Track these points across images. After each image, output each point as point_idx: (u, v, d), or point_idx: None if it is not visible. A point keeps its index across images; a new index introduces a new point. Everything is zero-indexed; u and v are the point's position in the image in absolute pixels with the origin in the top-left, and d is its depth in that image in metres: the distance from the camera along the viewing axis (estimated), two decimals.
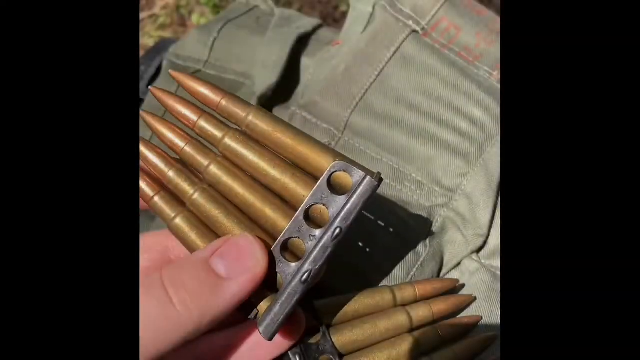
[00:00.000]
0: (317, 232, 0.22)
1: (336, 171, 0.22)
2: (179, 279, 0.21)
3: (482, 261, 0.32)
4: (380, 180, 0.22)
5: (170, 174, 0.24)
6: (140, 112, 0.24)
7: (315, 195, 0.22)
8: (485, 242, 0.33)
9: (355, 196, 0.22)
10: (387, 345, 0.27)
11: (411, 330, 0.28)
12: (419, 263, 0.32)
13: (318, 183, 0.22)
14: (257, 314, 0.23)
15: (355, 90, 0.36)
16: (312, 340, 0.26)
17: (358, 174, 0.22)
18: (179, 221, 0.24)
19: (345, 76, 0.36)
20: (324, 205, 0.22)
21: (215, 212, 0.23)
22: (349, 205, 0.22)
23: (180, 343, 0.21)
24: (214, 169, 0.24)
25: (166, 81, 0.41)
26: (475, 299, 0.30)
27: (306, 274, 0.22)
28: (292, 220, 0.22)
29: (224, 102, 0.24)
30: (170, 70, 0.24)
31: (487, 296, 0.30)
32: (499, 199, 0.33)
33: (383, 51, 0.36)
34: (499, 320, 0.30)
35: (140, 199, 0.24)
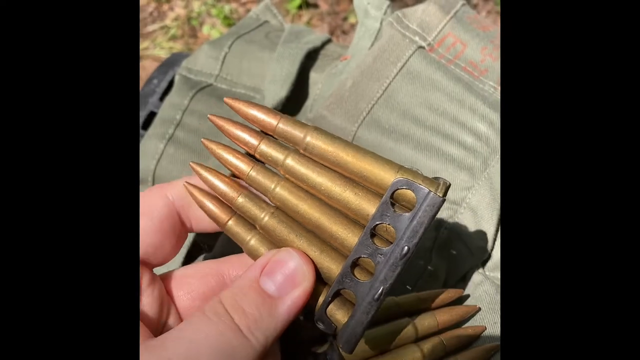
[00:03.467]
0: (386, 250, 0.22)
1: (400, 188, 0.22)
2: (239, 305, 0.22)
3: (487, 273, 0.33)
4: (447, 191, 0.22)
5: (240, 200, 0.24)
6: (203, 140, 0.25)
7: (378, 214, 0.22)
8: (489, 255, 0.33)
9: (419, 214, 0.22)
10: (392, 355, 0.28)
11: (416, 340, 0.29)
12: (424, 274, 0.33)
13: (381, 201, 0.22)
14: (335, 328, 0.23)
15: (362, 105, 0.37)
16: (320, 350, 0.27)
17: (422, 190, 0.22)
18: (254, 242, 0.24)
19: (352, 91, 0.37)
20: (389, 224, 0.22)
21: (286, 235, 0.24)
22: (414, 223, 0.22)
23: None
24: (280, 191, 0.24)
25: (179, 94, 0.42)
26: (479, 309, 0.31)
27: (378, 293, 0.22)
28: (358, 241, 0.23)
29: (281, 125, 0.24)
30: (225, 99, 0.24)
31: (491, 307, 0.31)
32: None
33: (390, 67, 0.37)
34: None
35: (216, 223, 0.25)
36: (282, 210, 0.24)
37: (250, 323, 0.22)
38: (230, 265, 0.26)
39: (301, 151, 0.24)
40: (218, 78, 0.42)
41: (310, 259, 0.23)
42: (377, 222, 0.22)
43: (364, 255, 0.22)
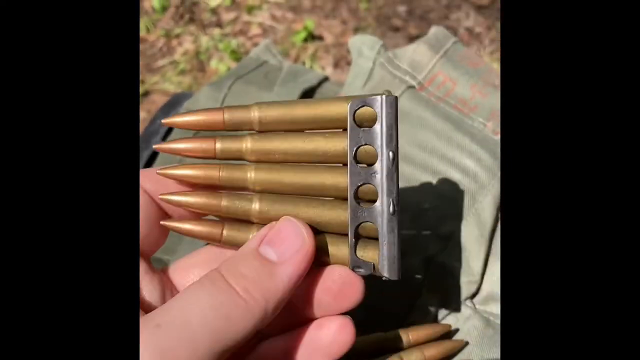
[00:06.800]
0: (376, 167, 0.23)
1: (357, 109, 0.23)
2: (237, 270, 0.22)
3: (476, 307, 0.34)
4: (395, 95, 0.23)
5: (224, 202, 0.24)
6: (158, 171, 0.25)
7: (352, 138, 0.23)
8: (478, 289, 0.34)
9: (384, 119, 0.23)
10: None
11: None
12: (414, 308, 0.34)
13: (348, 128, 0.23)
14: (373, 265, 0.23)
15: None
16: None
17: (375, 99, 0.23)
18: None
19: None
20: (365, 144, 0.23)
21: (283, 209, 0.24)
22: (385, 129, 0.23)
23: (251, 332, 0.21)
24: (257, 175, 0.24)
25: (181, 135, 0.43)
26: (467, 344, 0.32)
27: (391, 205, 0.23)
28: (348, 172, 0.23)
29: (227, 115, 0.24)
30: (162, 120, 0.25)
31: (479, 341, 0.32)
32: (491, 246, 0.35)
33: None
34: None
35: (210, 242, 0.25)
36: (268, 191, 0.25)
37: (248, 284, 0.21)
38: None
39: (256, 129, 0.24)
40: None
41: (308, 224, 0.24)
42: (355, 147, 0.23)
43: (361, 183, 0.23)
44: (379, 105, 0.23)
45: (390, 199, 0.23)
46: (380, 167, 0.23)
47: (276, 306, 0.22)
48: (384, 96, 0.23)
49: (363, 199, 0.24)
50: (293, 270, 0.22)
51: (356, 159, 0.23)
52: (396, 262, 0.23)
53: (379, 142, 0.23)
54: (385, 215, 0.23)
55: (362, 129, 0.23)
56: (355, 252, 0.24)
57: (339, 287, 0.24)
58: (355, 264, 0.24)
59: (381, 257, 0.23)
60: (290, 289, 0.22)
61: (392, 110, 0.23)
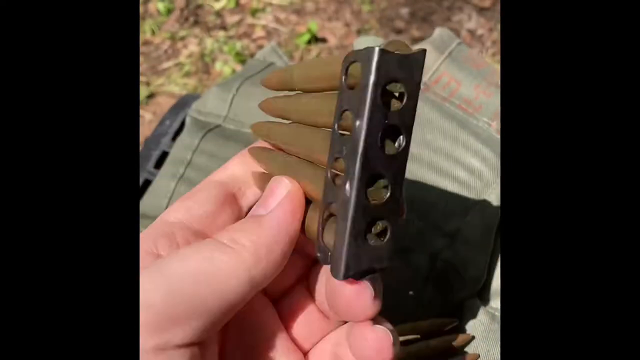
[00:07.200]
0: (346, 137, 0.18)
1: (348, 65, 0.18)
2: (226, 231, 0.22)
3: (481, 302, 0.34)
4: (405, 49, 0.18)
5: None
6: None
7: (339, 100, 0.19)
8: (484, 284, 0.35)
9: (363, 78, 0.17)
10: None
11: None
12: (420, 304, 0.34)
13: (340, 84, 0.19)
14: (330, 254, 0.19)
15: None
16: None
17: (361, 53, 0.17)
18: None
19: None
20: (346, 109, 0.18)
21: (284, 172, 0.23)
22: (361, 89, 0.17)
23: (246, 281, 0.21)
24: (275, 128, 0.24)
25: (190, 135, 0.44)
26: (473, 338, 0.32)
27: (347, 188, 0.18)
28: (330, 140, 0.19)
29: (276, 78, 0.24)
30: (261, 82, 0.26)
31: (485, 336, 0.32)
32: (496, 243, 0.35)
33: None
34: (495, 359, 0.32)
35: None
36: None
37: (235, 234, 0.21)
38: None
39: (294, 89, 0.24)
40: (226, 119, 0.45)
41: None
42: (341, 110, 0.19)
43: (337, 155, 0.19)
44: (364, 60, 0.17)
45: (348, 180, 0.18)
46: (350, 139, 0.18)
47: (268, 250, 0.21)
48: (372, 48, 0.17)
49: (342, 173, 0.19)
50: (281, 212, 0.22)
51: (342, 127, 0.19)
52: (344, 257, 0.18)
53: (355, 107, 0.18)
54: (345, 199, 0.18)
55: (349, 89, 0.18)
56: (321, 234, 0.20)
57: (343, 300, 0.22)
58: (318, 248, 0.20)
59: (334, 247, 0.19)
60: (281, 231, 0.22)
61: (369, 64, 0.17)
